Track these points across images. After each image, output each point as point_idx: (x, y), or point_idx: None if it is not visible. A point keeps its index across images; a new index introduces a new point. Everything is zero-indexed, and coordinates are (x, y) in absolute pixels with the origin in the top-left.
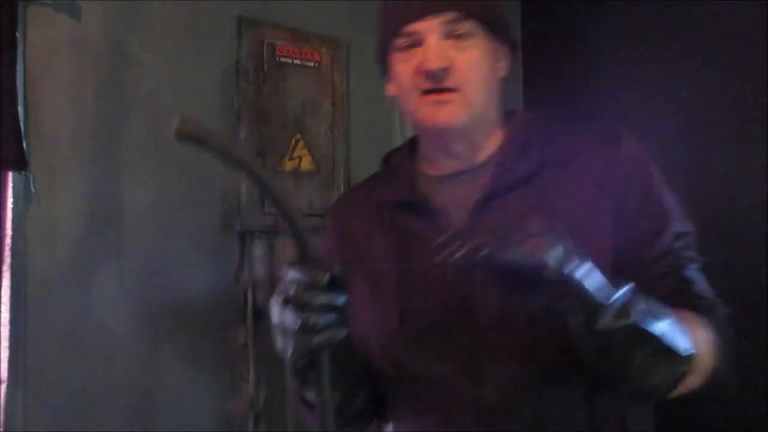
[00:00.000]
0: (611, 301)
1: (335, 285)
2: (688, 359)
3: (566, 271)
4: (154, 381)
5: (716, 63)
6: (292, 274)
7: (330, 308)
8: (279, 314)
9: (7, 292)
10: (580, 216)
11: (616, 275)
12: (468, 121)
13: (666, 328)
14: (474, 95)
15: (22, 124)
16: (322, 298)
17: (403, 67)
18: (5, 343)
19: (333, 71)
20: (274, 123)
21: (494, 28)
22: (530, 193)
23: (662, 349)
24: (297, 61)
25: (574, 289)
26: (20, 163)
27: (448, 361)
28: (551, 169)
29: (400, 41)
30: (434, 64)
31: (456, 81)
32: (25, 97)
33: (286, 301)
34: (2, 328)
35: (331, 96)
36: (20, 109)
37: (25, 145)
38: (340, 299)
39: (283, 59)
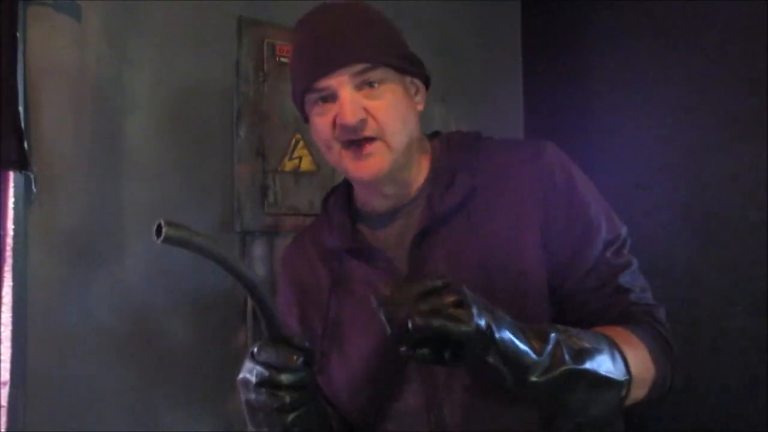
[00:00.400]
0: (539, 359)
1: (305, 361)
2: (624, 383)
3: (491, 335)
4: (154, 381)
5: (716, 62)
6: (264, 356)
7: (301, 386)
8: (253, 395)
9: (9, 292)
10: (512, 236)
11: (552, 292)
12: (392, 167)
13: (598, 360)
14: (394, 141)
15: (22, 124)
16: (295, 379)
17: (321, 120)
18: (7, 344)
19: None
20: (274, 123)
21: (404, 68)
22: (462, 222)
23: (597, 381)
24: None
25: (500, 352)
26: (21, 163)
27: (406, 397)
28: (480, 194)
29: (314, 96)
30: (350, 119)
31: (374, 130)
32: (25, 97)
33: (261, 384)
34: (4, 329)
35: None
36: (20, 109)
37: (26, 145)
38: (309, 375)
39: (283, 59)
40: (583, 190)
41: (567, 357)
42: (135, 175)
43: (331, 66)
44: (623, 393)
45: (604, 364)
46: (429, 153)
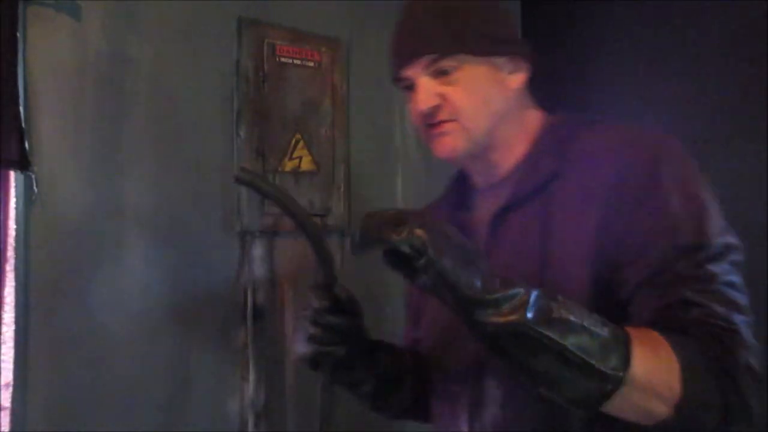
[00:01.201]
0: (479, 296)
1: (344, 311)
2: (611, 377)
3: (428, 255)
4: (154, 381)
5: (716, 62)
6: (311, 299)
7: (333, 329)
8: (301, 328)
9: (11, 292)
10: (569, 231)
11: (600, 297)
12: (470, 148)
13: (576, 338)
14: (471, 122)
15: (23, 124)
16: (328, 320)
17: (410, 107)
18: (10, 344)
19: (333, 71)
20: (274, 123)
21: (482, 51)
22: (538, 206)
23: (568, 359)
24: (297, 61)
25: (438, 275)
26: (23, 163)
27: (458, 366)
28: (561, 181)
29: (401, 84)
30: (423, 105)
31: (449, 113)
32: (25, 97)
33: (305, 319)
34: (6, 329)
35: (331, 96)
36: (20, 109)
37: (26, 145)
38: (344, 323)
39: (283, 59)
40: (670, 188)
41: (529, 315)
42: (135, 175)
43: (406, 58)
44: (608, 387)
45: (584, 344)
46: (533, 132)
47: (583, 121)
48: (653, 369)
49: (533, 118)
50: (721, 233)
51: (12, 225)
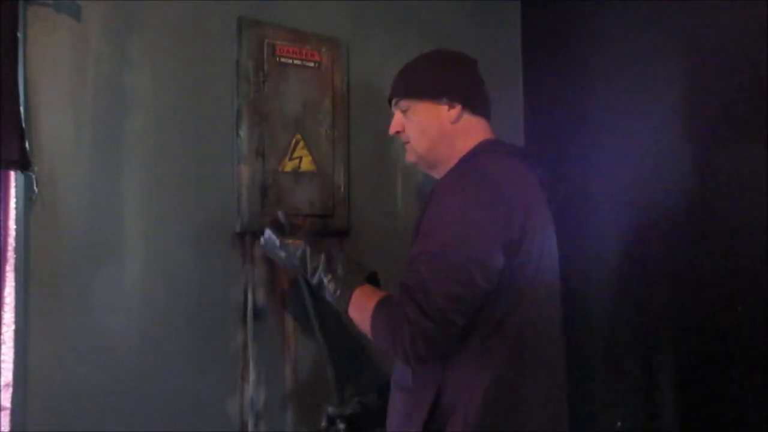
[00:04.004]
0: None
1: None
2: (343, 304)
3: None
4: (154, 381)
5: (716, 62)
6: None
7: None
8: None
9: (11, 292)
10: (423, 223)
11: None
12: (416, 160)
13: (327, 283)
14: (416, 145)
15: (23, 124)
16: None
17: None
18: (10, 344)
19: (333, 71)
20: (274, 123)
21: (423, 97)
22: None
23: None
24: (297, 61)
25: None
26: (23, 163)
27: None
28: (436, 189)
29: None
30: (392, 131)
31: (406, 137)
32: (25, 97)
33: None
34: (6, 329)
35: (331, 96)
36: (21, 109)
37: (27, 145)
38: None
39: (283, 59)
40: (438, 208)
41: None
42: (135, 176)
43: (389, 98)
44: (344, 307)
45: (329, 286)
46: (463, 154)
47: (476, 153)
48: (358, 306)
49: (467, 143)
50: (440, 244)
51: (12, 225)
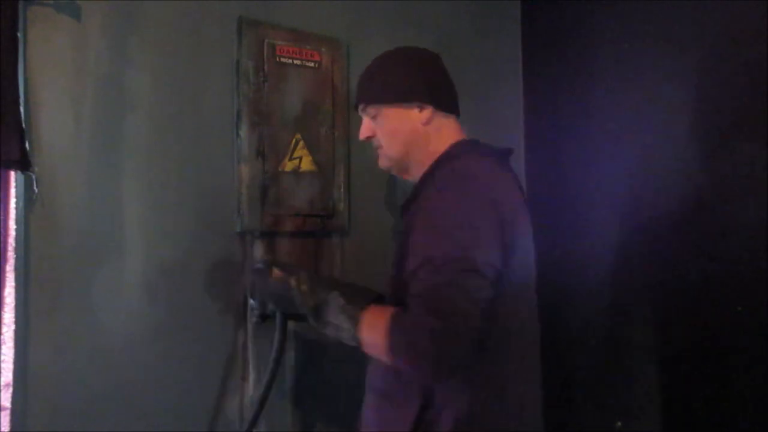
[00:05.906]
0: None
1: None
2: (355, 337)
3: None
4: (155, 381)
5: (716, 62)
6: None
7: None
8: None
9: (11, 292)
10: (411, 232)
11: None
12: (390, 164)
13: (340, 319)
14: (388, 150)
15: (23, 124)
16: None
17: None
18: (10, 344)
19: (333, 71)
20: (274, 123)
21: (392, 102)
22: (413, 209)
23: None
24: (297, 61)
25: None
26: (23, 164)
27: None
28: (420, 196)
29: None
30: (362, 136)
31: (377, 142)
32: (25, 97)
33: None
34: (6, 329)
35: (331, 96)
36: (21, 109)
37: (27, 145)
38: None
39: (283, 59)
40: (424, 223)
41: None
42: (135, 175)
43: (355, 104)
44: (354, 342)
45: (338, 322)
46: (436, 156)
47: (454, 154)
48: (369, 327)
49: (440, 145)
50: (445, 251)
51: (12, 225)
